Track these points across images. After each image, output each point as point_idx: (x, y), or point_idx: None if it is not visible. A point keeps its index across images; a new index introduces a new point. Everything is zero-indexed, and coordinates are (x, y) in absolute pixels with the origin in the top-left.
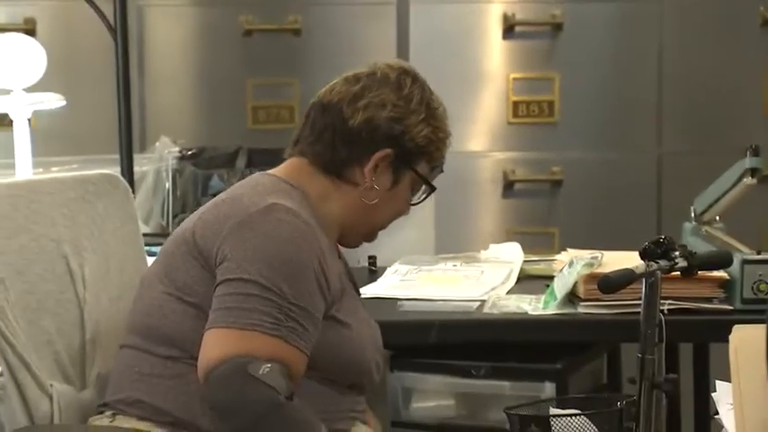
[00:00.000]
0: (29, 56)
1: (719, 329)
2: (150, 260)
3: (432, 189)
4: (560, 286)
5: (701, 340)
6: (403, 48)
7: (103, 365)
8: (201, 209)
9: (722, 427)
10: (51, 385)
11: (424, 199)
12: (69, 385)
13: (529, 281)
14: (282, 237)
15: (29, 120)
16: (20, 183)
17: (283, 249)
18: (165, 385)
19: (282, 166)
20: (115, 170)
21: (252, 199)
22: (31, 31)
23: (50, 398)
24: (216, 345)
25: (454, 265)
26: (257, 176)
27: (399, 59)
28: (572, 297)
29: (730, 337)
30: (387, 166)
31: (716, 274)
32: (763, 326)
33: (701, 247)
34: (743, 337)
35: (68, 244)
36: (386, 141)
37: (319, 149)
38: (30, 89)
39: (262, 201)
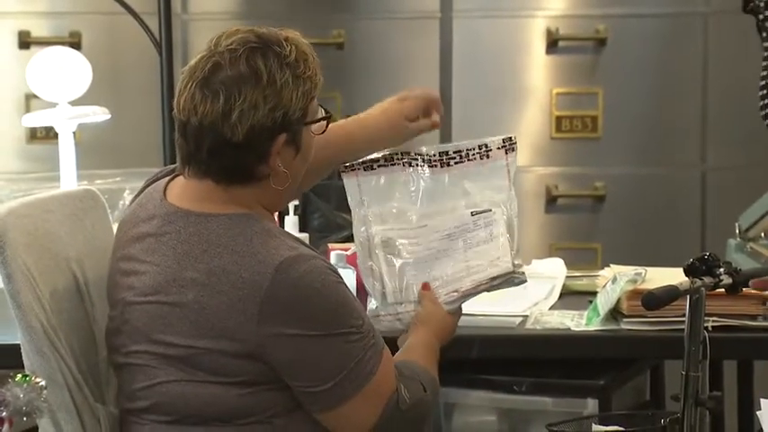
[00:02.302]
0: (74, 69)
1: (764, 347)
2: None
3: (328, 118)
4: (604, 302)
5: (746, 358)
6: (446, 61)
7: (115, 385)
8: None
9: None
10: (98, 407)
11: (327, 127)
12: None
13: (572, 296)
14: (314, 286)
15: (74, 133)
16: (31, 202)
17: (325, 295)
18: None
19: (197, 198)
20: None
21: (251, 266)
22: (76, 45)
23: (98, 420)
24: (360, 412)
25: None
26: (205, 225)
27: (237, 31)
28: (615, 313)
29: None
30: (285, 144)
31: (761, 291)
32: None
33: (745, 263)
34: None
35: (75, 262)
36: (275, 131)
37: (218, 166)
38: (75, 102)
39: (263, 266)
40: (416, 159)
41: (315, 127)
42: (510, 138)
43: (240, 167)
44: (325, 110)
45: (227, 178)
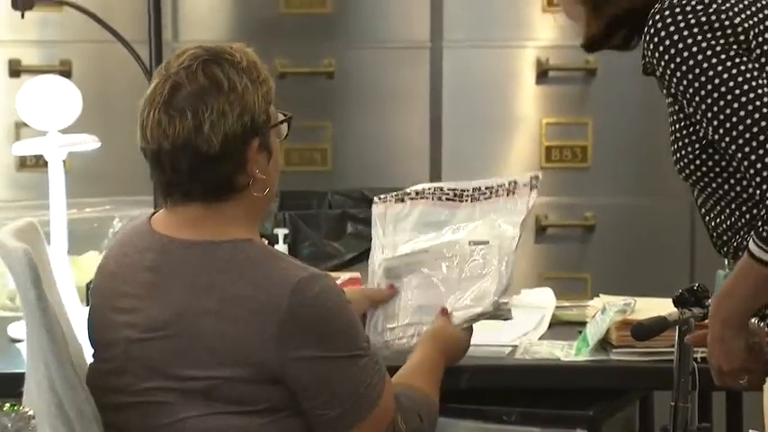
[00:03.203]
0: (64, 97)
1: None
2: None
3: (289, 119)
4: (593, 332)
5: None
6: (436, 91)
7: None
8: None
9: None
10: None
11: (288, 131)
12: None
13: (561, 327)
14: (329, 305)
15: (63, 161)
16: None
17: (339, 315)
18: None
19: (191, 225)
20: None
21: (266, 289)
22: (66, 73)
23: None
24: None
25: None
26: (210, 254)
27: (185, 51)
28: (605, 344)
29: (764, 386)
30: (258, 150)
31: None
32: None
33: None
34: None
35: (49, 295)
36: (247, 137)
37: (200, 185)
38: (65, 130)
39: (279, 287)
40: (448, 194)
41: (279, 131)
42: (537, 176)
43: (221, 181)
44: (283, 113)
45: (212, 196)
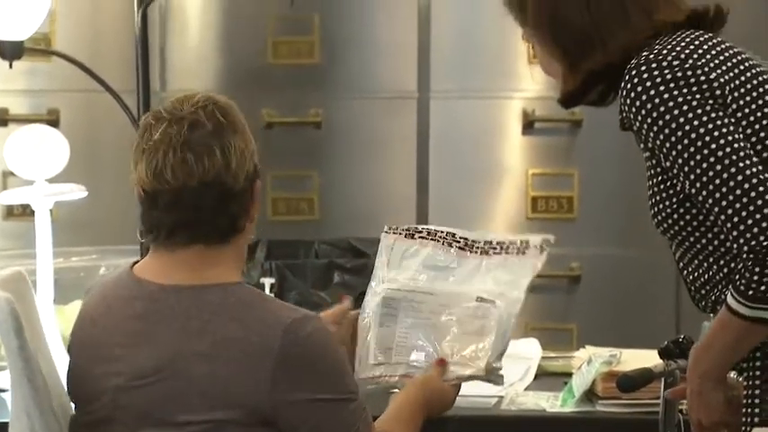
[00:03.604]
0: (52, 147)
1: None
2: None
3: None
4: (579, 384)
5: None
6: (423, 141)
7: None
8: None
9: None
10: None
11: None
12: None
13: (547, 377)
14: (321, 346)
15: (50, 210)
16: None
17: (331, 356)
18: None
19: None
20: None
21: (259, 330)
22: (54, 122)
23: None
24: None
25: None
26: (201, 298)
27: (188, 95)
28: (590, 395)
29: None
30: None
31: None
32: None
33: None
34: None
35: (34, 344)
36: (255, 176)
37: (217, 224)
38: (52, 179)
39: (271, 329)
40: (459, 242)
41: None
42: (549, 240)
43: (233, 220)
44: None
45: (219, 236)
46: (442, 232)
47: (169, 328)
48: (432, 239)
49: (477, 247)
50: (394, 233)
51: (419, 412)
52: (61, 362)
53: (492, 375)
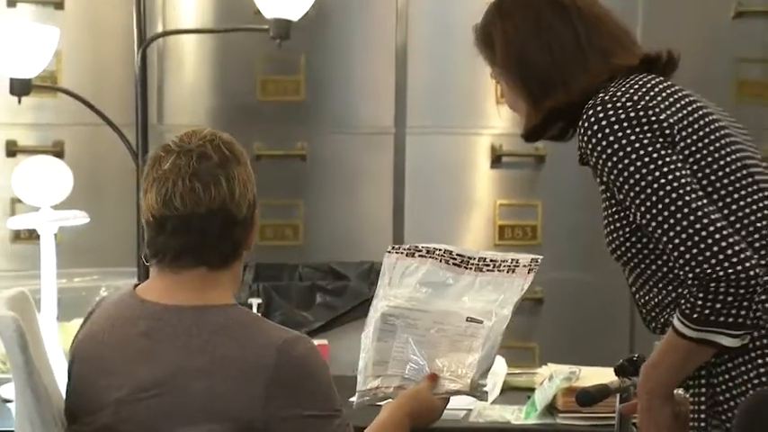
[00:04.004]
0: (57, 176)
1: None
2: None
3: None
4: (541, 398)
5: None
6: (399, 173)
7: None
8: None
9: None
10: None
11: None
12: None
13: (512, 392)
14: (312, 364)
15: (55, 234)
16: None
17: (321, 374)
18: None
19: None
20: (133, 282)
21: (254, 349)
22: (59, 154)
23: None
24: None
25: None
26: (202, 318)
27: (195, 130)
28: (551, 409)
29: None
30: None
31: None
32: None
33: None
34: None
35: (37, 358)
36: (255, 205)
37: (221, 248)
38: (56, 206)
39: (265, 349)
40: (455, 258)
41: None
42: (537, 260)
43: (235, 246)
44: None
45: (221, 260)
46: (440, 250)
47: (172, 346)
48: (430, 257)
49: (472, 264)
50: (396, 253)
51: (405, 422)
52: (62, 374)
53: (477, 391)
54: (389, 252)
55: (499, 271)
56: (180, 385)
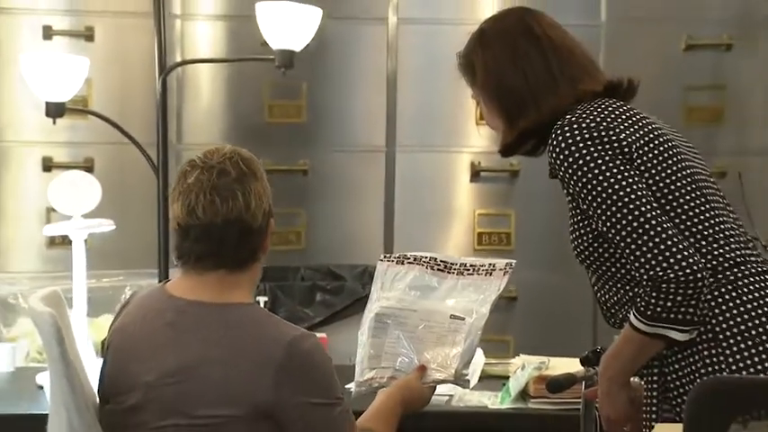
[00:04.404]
0: (87, 188)
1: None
2: None
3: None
4: (515, 385)
5: None
6: (390, 186)
7: None
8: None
9: None
10: None
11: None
12: None
13: (489, 380)
14: (318, 358)
15: (85, 240)
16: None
17: (325, 366)
18: None
19: (210, 289)
20: (154, 282)
21: (266, 343)
22: (89, 169)
23: None
24: None
25: None
26: (222, 314)
27: (217, 148)
28: (524, 395)
29: None
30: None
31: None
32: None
33: None
34: None
35: (70, 350)
36: (270, 215)
37: (239, 254)
38: (87, 215)
39: (276, 343)
40: (439, 265)
41: None
42: (511, 264)
43: (252, 251)
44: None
45: (239, 264)
46: (426, 257)
47: (194, 337)
48: (417, 264)
49: (454, 269)
50: (388, 261)
51: (397, 409)
52: (90, 364)
53: (460, 380)
54: (381, 260)
55: (478, 274)
56: (201, 373)
